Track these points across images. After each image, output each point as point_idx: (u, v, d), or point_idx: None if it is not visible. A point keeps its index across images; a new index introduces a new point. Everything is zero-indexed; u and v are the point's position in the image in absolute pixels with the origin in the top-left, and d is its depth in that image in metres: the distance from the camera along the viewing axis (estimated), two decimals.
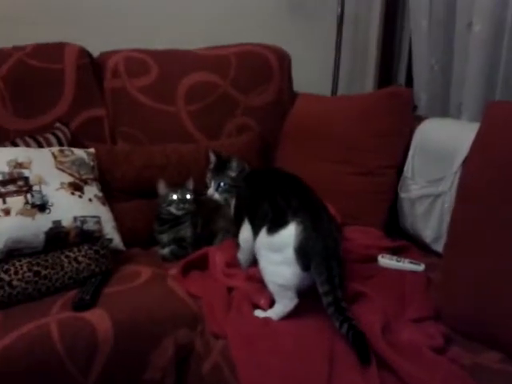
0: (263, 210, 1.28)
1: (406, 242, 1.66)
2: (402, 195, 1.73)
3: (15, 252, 1.38)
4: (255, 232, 1.32)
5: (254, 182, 1.49)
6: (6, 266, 1.34)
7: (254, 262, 1.40)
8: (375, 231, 1.67)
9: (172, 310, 1.35)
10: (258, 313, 1.26)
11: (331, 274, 1.14)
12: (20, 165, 1.47)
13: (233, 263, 1.48)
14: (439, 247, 1.57)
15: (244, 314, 1.27)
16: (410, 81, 2.28)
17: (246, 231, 1.40)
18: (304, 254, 1.17)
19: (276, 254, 1.21)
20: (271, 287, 1.24)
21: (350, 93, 2.46)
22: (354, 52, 2.52)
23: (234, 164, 1.60)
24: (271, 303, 1.26)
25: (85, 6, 2.05)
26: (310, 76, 2.26)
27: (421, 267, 1.48)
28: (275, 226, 1.21)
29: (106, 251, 1.49)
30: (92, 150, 1.73)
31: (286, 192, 1.29)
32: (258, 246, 1.27)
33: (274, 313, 1.23)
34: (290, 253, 1.18)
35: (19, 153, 1.53)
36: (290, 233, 1.18)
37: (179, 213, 1.69)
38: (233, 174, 1.60)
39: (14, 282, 1.32)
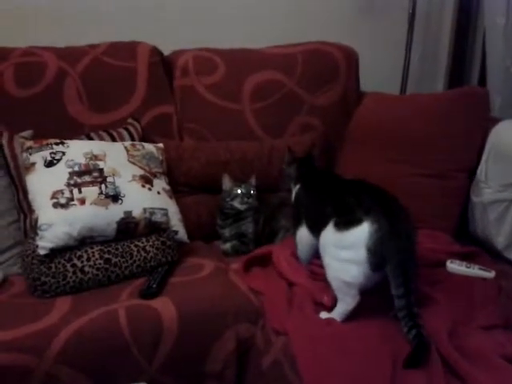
0: (326, 208, 1.27)
1: (476, 247, 1.59)
2: (474, 199, 1.66)
3: (88, 240, 1.44)
4: (315, 229, 1.31)
5: (315, 181, 1.48)
6: (78, 253, 1.40)
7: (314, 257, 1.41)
8: (444, 236, 1.61)
9: (234, 304, 1.36)
10: (323, 314, 1.25)
11: (407, 278, 1.11)
12: (95, 157, 1.54)
13: (296, 260, 1.48)
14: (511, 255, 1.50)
15: (307, 314, 1.27)
16: (482, 82, 2.19)
17: (301, 230, 1.42)
18: (377, 255, 1.13)
19: (344, 251, 1.18)
20: (335, 284, 1.22)
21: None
22: (425, 51, 2.43)
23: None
24: (334, 301, 1.25)
25: (156, 7, 2.11)
26: (378, 75, 2.22)
27: (491, 274, 1.42)
28: (345, 223, 1.18)
29: (172, 242, 1.53)
30: (161, 145, 1.78)
31: (355, 191, 1.27)
32: (324, 242, 1.25)
33: (338, 313, 1.22)
34: (361, 252, 1.14)
35: (94, 146, 1.59)
36: (363, 232, 1.14)
37: (243, 207, 1.71)
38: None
39: (86, 268, 1.39)
